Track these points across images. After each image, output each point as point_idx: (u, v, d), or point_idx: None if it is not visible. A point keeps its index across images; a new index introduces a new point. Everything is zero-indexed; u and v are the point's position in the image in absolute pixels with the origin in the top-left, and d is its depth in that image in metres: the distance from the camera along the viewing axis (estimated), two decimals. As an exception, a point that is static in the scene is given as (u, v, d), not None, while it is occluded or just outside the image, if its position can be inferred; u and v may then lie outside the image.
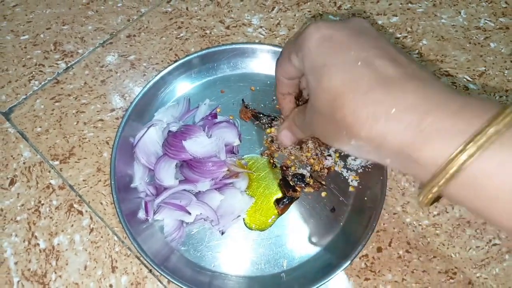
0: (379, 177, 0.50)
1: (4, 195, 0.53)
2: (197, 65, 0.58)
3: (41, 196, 0.53)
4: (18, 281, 0.49)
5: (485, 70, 0.61)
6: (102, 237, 0.51)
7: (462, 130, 0.27)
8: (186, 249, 0.50)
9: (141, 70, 0.61)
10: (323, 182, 0.53)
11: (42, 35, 0.64)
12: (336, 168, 0.53)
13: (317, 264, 0.49)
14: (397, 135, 0.29)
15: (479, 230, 0.52)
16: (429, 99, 0.29)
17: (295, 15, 0.66)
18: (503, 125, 0.25)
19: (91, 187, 0.53)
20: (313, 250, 0.50)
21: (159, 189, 0.51)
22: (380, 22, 0.65)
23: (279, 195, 0.53)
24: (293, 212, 0.52)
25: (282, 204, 0.51)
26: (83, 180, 0.54)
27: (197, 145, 0.50)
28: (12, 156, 0.55)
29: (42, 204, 0.52)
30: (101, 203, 0.52)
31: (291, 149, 0.53)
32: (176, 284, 0.45)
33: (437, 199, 0.30)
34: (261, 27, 0.64)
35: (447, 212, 0.53)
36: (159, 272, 0.45)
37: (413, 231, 0.52)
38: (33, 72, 0.61)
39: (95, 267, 0.49)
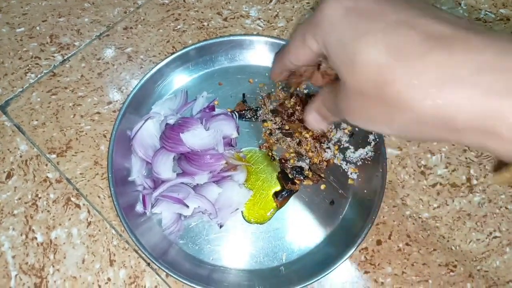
0: (378, 169, 0.50)
1: (1, 189, 0.52)
2: (194, 57, 0.57)
3: (38, 189, 0.52)
4: (16, 275, 0.48)
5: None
6: (99, 230, 0.50)
7: None
8: (184, 243, 0.50)
9: (138, 62, 0.60)
10: (322, 175, 0.52)
11: (38, 28, 0.63)
12: (335, 161, 0.53)
13: (316, 257, 0.49)
14: (473, 103, 0.23)
15: (479, 223, 0.52)
16: (507, 54, 0.23)
17: (293, 7, 0.65)
18: None
19: (88, 181, 0.53)
20: (312, 243, 0.50)
21: (157, 182, 0.51)
22: (379, 14, 0.64)
23: (278, 188, 0.52)
24: (292, 205, 0.52)
25: (281, 197, 0.51)
26: (80, 174, 0.53)
27: (195, 137, 0.50)
28: (8, 149, 0.54)
29: (39, 198, 0.52)
30: (99, 197, 0.52)
31: (289, 141, 0.53)
32: (174, 277, 0.45)
33: None
34: (259, 18, 0.64)
35: (447, 205, 0.52)
36: (157, 266, 0.45)
37: (413, 224, 0.51)
38: (29, 65, 0.60)
39: (93, 260, 0.49)
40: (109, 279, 0.48)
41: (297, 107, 0.53)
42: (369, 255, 0.50)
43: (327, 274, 0.46)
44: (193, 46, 0.56)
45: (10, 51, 0.61)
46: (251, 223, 0.51)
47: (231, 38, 0.58)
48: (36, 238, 0.50)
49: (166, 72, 0.56)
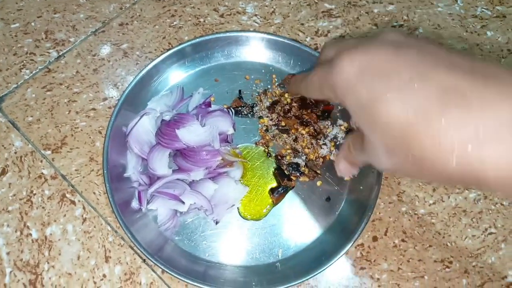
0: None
1: (-5, 185, 0.52)
2: (191, 54, 0.57)
3: (33, 186, 0.52)
4: (11, 272, 0.48)
5: (481, 59, 0.61)
6: (95, 227, 0.50)
7: None
8: (180, 239, 0.50)
9: (134, 58, 0.60)
10: (318, 171, 0.52)
11: (33, 23, 0.63)
12: (332, 157, 0.52)
13: (312, 254, 0.49)
14: (499, 160, 0.24)
15: (475, 219, 0.52)
16: None
17: (290, 3, 0.65)
18: None
19: (83, 177, 0.53)
20: (308, 239, 0.50)
21: (153, 179, 0.51)
22: (376, 11, 0.64)
23: (274, 184, 0.52)
24: (288, 201, 0.51)
25: (277, 194, 0.51)
26: (76, 170, 0.53)
27: (191, 134, 0.50)
28: (3, 145, 0.54)
29: (34, 194, 0.52)
30: (94, 193, 0.52)
31: (286, 138, 0.53)
32: (170, 274, 0.45)
33: None
34: (255, 15, 0.64)
35: (443, 201, 0.52)
36: (153, 262, 0.45)
37: (409, 220, 0.51)
38: (24, 61, 0.60)
39: (88, 257, 0.49)
40: (104, 276, 0.48)
41: (294, 104, 0.53)
42: (365, 251, 0.50)
43: (323, 270, 0.46)
44: (189, 42, 0.56)
45: (5, 47, 0.60)
46: (247, 219, 0.51)
47: (228, 34, 0.57)
48: (31, 234, 0.50)
49: (162, 68, 0.56)
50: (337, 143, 0.53)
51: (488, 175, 0.25)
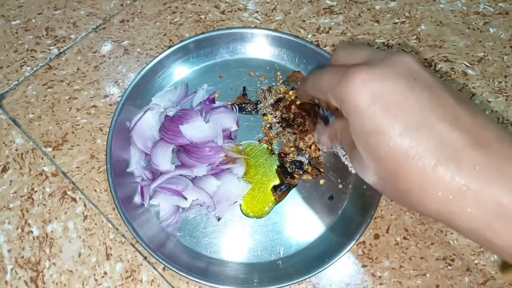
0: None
1: (-4, 182, 0.52)
2: (195, 50, 0.57)
3: (34, 183, 0.52)
4: (12, 269, 0.48)
5: (484, 55, 0.61)
6: (96, 224, 0.50)
7: None
8: (182, 235, 0.49)
9: (134, 55, 0.60)
10: (322, 170, 0.52)
11: (33, 20, 0.62)
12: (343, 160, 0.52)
13: (314, 252, 0.49)
14: (471, 217, 0.27)
15: (477, 216, 0.52)
16: (505, 175, 0.27)
17: (291, 0, 0.65)
18: None
19: (84, 174, 0.52)
20: (310, 237, 0.50)
21: (155, 174, 0.50)
22: (377, 7, 0.64)
23: (277, 182, 0.52)
24: (291, 199, 0.51)
25: (280, 191, 0.51)
26: (77, 167, 0.53)
27: (194, 129, 0.50)
28: (4, 143, 0.54)
29: (35, 191, 0.51)
30: (95, 190, 0.52)
31: (289, 135, 0.52)
32: (171, 269, 0.45)
33: None
34: (256, 12, 0.63)
35: (446, 198, 0.52)
36: (154, 258, 0.45)
37: (411, 217, 0.51)
38: (25, 58, 0.59)
39: (89, 254, 0.49)
40: (105, 273, 0.48)
41: (298, 101, 0.53)
42: (367, 249, 0.50)
43: (325, 268, 0.45)
44: (194, 38, 0.56)
45: (6, 44, 0.60)
46: (249, 216, 0.50)
47: (233, 31, 0.57)
48: (32, 232, 0.50)
49: (167, 64, 0.56)
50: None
51: (457, 224, 0.29)
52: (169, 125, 0.50)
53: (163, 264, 0.45)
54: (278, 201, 0.51)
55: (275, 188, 0.51)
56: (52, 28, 0.62)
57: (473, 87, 0.58)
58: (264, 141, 0.54)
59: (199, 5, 0.64)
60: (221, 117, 0.52)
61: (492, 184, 0.27)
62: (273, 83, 0.57)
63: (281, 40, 0.57)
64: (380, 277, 0.48)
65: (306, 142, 0.52)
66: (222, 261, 0.49)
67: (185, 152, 0.50)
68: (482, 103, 0.57)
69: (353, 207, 0.51)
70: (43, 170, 0.53)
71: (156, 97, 0.54)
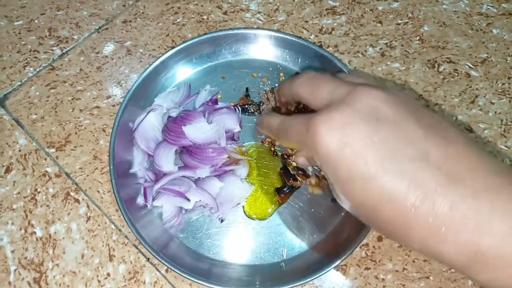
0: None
1: (0, 183, 0.52)
2: (198, 51, 0.57)
3: (37, 184, 0.52)
4: (15, 270, 0.48)
5: (487, 57, 0.60)
6: (99, 225, 0.50)
7: None
8: (184, 236, 0.49)
9: (137, 56, 0.60)
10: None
11: (36, 21, 0.62)
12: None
13: (317, 254, 0.49)
14: (452, 257, 0.28)
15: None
16: (480, 213, 0.27)
17: (294, 0, 0.64)
18: None
19: (87, 175, 0.52)
20: (313, 240, 0.50)
21: (158, 175, 0.50)
22: (380, 8, 0.64)
23: (280, 184, 0.52)
24: (294, 201, 0.51)
25: (283, 193, 0.50)
26: (80, 168, 0.53)
27: (197, 131, 0.50)
28: (7, 143, 0.54)
29: (39, 192, 0.51)
30: (98, 191, 0.52)
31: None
32: (174, 271, 0.45)
33: None
34: (259, 12, 0.63)
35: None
36: (157, 259, 0.45)
37: (414, 219, 0.51)
38: (28, 59, 0.59)
39: (92, 255, 0.49)
40: (108, 274, 0.48)
41: (300, 106, 0.53)
42: (370, 251, 0.50)
43: (328, 271, 0.45)
44: (197, 39, 0.56)
45: (9, 45, 0.60)
46: (252, 218, 0.50)
47: (236, 31, 0.57)
48: (35, 232, 0.50)
49: (170, 64, 0.56)
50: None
51: (445, 262, 0.29)
52: (172, 126, 0.50)
53: (166, 265, 0.45)
54: (281, 203, 0.51)
55: (278, 190, 0.51)
56: (55, 28, 0.62)
57: (477, 89, 0.58)
58: (267, 143, 0.53)
59: (202, 6, 0.64)
60: (224, 118, 0.52)
61: (467, 226, 0.27)
62: (276, 84, 0.57)
63: (284, 41, 0.57)
64: (383, 279, 0.48)
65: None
66: (225, 263, 0.48)
67: (188, 153, 0.50)
68: (485, 105, 0.57)
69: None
70: (46, 171, 0.53)
71: (159, 98, 0.54)
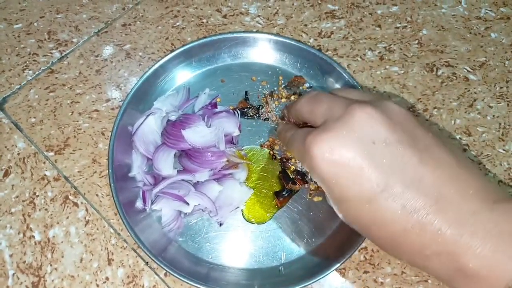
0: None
1: (-2, 187, 0.52)
2: (197, 54, 0.57)
3: (36, 187, 0.52)
4: (14, 274, 0.48)
5: (485, 60, 0.61)
6: (98, 229, 0.50)
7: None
8: (183, 240, 0.49)
9: (136, 59, 0.60)
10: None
11: (35, 24, 0.62)
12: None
13: (316, 258, 0.49)
14: (438, 274, 0.30)
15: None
16: (462, 236, 0.28)
17: (293, 4, 0.65)
18: None
19: (86, 179, 0.52)
20: (312, 243, 0.50)
21: (157, 179, 0.50)
22: (379, 12, 0.64)
23: (279, 187, 0.52)
24: (293, 205, 0.51)
25: (282, 197, 0.50)
26: (78, 172, 0.53)
27: (196, 134, 0.50)
28: (6, 147, 0.54)
29: (37, 196, 0.51)
30: (97, 195, 0.52)
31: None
32: (173, 275, 0.45)
33: None
34: (258, 16, 0.63)
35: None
36: (156, 263, 0.45)
37: (413, 222, 0.51)
38: (27, 62, 0.59)
39: (91, 259, 0.49)
40: (107, 278, 0.48)
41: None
42: (369, 254, 0.50)
43: (327, 274, 0.45)
44: (196, 42, 0.56)
45: (8, 48, 0.60)
46: (251, 222, 0.50)
47: (235, 35, 0.57)
48: (33, 236, 0.50)
49: (169, 68, 0.56)
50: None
51: (433, 275, 0.32)
52: (171, 130, 0.50)
53: (165, 269, 0.45)
54: (280, 206, 0.51)
55: (276, 193, 0.51)
56: (54, 31, 0.62)
57: (475, 92, 0.58)
58: (266, 146, 0.54)
59: (201, 9, 0.64)
60: (223, 122, 0.52)
61: (450, 248, 0.28)
62: (275, 88, 0.57)
63: (283, 44, 0.57)
64: (382, 283, 0.48)
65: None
66: (224, 267, 0.48)
67: (187, 157, 0.50)
68: (483, 109, 0.57)
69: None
70: (45, 175, 0.53)
71: (158, 102, 0.54)
